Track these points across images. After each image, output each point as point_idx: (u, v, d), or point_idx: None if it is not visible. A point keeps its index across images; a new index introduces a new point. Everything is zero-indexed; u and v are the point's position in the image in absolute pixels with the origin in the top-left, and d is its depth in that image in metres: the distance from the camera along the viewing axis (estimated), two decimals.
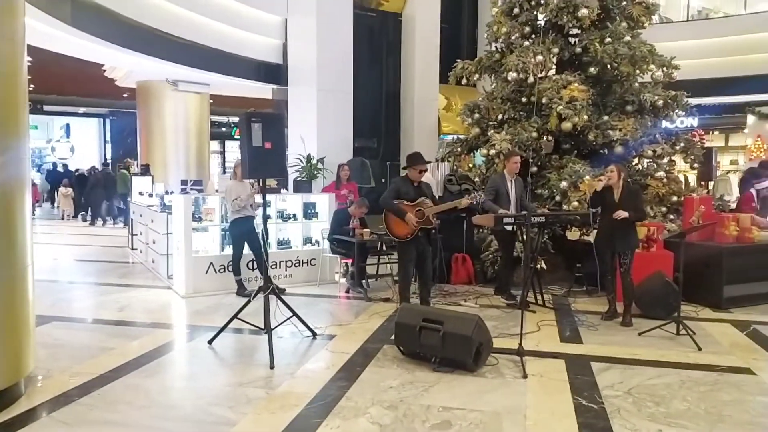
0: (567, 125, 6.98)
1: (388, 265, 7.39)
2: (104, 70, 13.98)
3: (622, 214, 5.33)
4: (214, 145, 22.35)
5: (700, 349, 4.70)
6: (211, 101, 14.95)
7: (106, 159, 22.31)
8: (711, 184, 11.12)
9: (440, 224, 6.88)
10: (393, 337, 4.64)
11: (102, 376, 4.09)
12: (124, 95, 17.45)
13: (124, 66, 12.92)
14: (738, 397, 3.78)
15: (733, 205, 8.91)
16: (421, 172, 5.73)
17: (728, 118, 17.14)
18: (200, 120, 14.21)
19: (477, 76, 8.32)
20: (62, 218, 16.46)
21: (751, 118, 12.54)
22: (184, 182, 10.21)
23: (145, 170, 12.57)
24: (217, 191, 7.96)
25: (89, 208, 15.48)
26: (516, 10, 7.83)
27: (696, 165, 8.15)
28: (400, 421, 3.39)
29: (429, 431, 3.28)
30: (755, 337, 5.13)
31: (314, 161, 9.72)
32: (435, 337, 4.20)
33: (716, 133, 19.90)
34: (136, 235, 9.93)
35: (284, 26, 11.47)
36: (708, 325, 5.46)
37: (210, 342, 4.82)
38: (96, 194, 14.85)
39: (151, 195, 10.03)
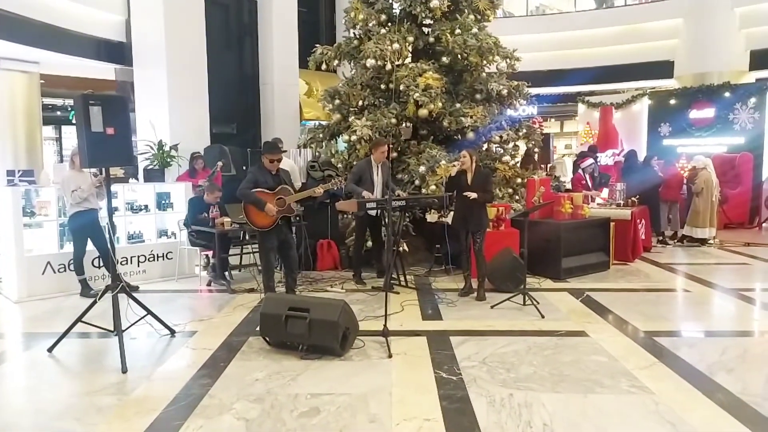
0: (423, 112, 7.27)
1: (251, 254, 7.18)
2: None
3: (471, 195, 5.68)
4: (48, 131, 19.96)
5: (543, 316, 5.20)
6: (43, 81, 13.32)
7: None
8: (549, 166, 12.29)
9: (304, 211, 6.85)
10: (258, 329, 4.53)
11: None
12: None
13: None
14: (576, 357, 4.22)
15: (569, 186, 9.94)
16: (273, 161, 5.54)
17: (562, 107, 19.03)
18: (29, 102, 12.56)
19: (336, 62, 8.34)
20: None
21: (581, 107, 14.06)
22: (10, 173, 8.98)
23: None
24: (52, 182, 7.14)
25: None
26: None
27: (536, 149, 8.96)
28: (267, 414, 3.33)
29: (297, 420, 3.25)
30: (588, 303, 5.77)
31: (167, 148, 9.09)
32: (301, 325, 4.17)
33: (553, 120, 22.03)
34: None
35: (126, 1, 10.52)
36: (549, 295, 6.04)
37: (50, 350, 4.36)
38: None
39: None
